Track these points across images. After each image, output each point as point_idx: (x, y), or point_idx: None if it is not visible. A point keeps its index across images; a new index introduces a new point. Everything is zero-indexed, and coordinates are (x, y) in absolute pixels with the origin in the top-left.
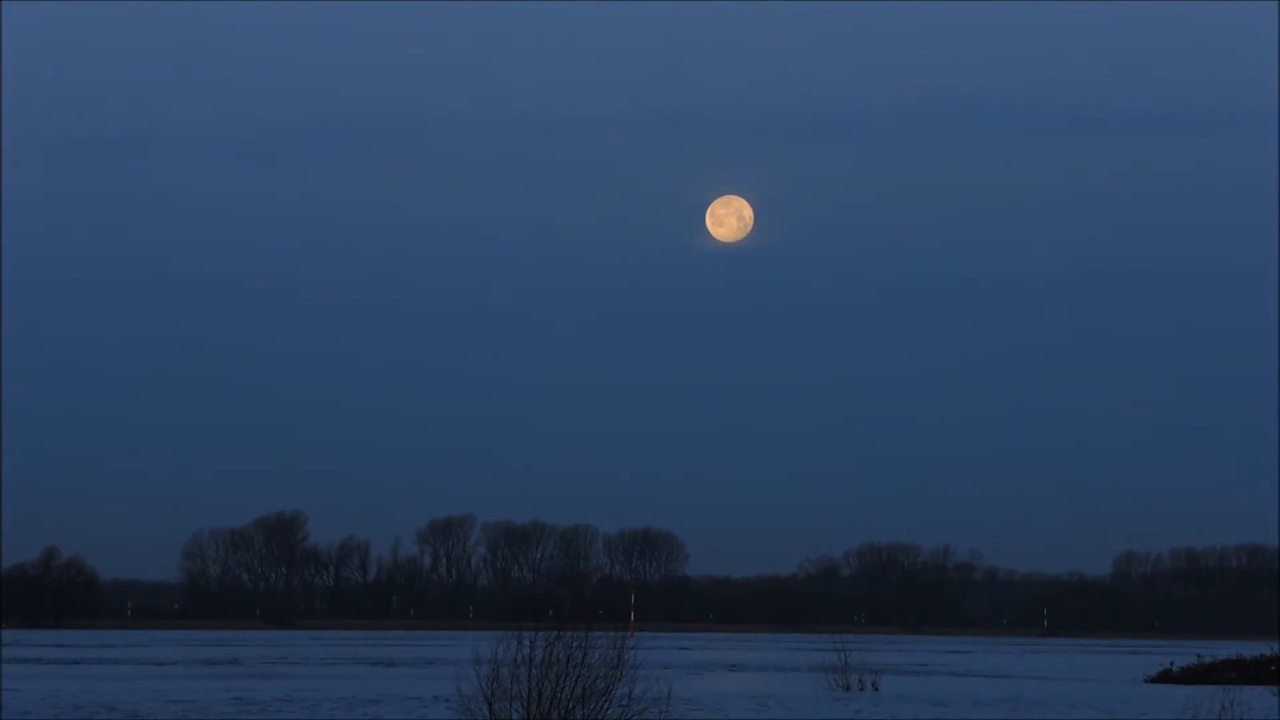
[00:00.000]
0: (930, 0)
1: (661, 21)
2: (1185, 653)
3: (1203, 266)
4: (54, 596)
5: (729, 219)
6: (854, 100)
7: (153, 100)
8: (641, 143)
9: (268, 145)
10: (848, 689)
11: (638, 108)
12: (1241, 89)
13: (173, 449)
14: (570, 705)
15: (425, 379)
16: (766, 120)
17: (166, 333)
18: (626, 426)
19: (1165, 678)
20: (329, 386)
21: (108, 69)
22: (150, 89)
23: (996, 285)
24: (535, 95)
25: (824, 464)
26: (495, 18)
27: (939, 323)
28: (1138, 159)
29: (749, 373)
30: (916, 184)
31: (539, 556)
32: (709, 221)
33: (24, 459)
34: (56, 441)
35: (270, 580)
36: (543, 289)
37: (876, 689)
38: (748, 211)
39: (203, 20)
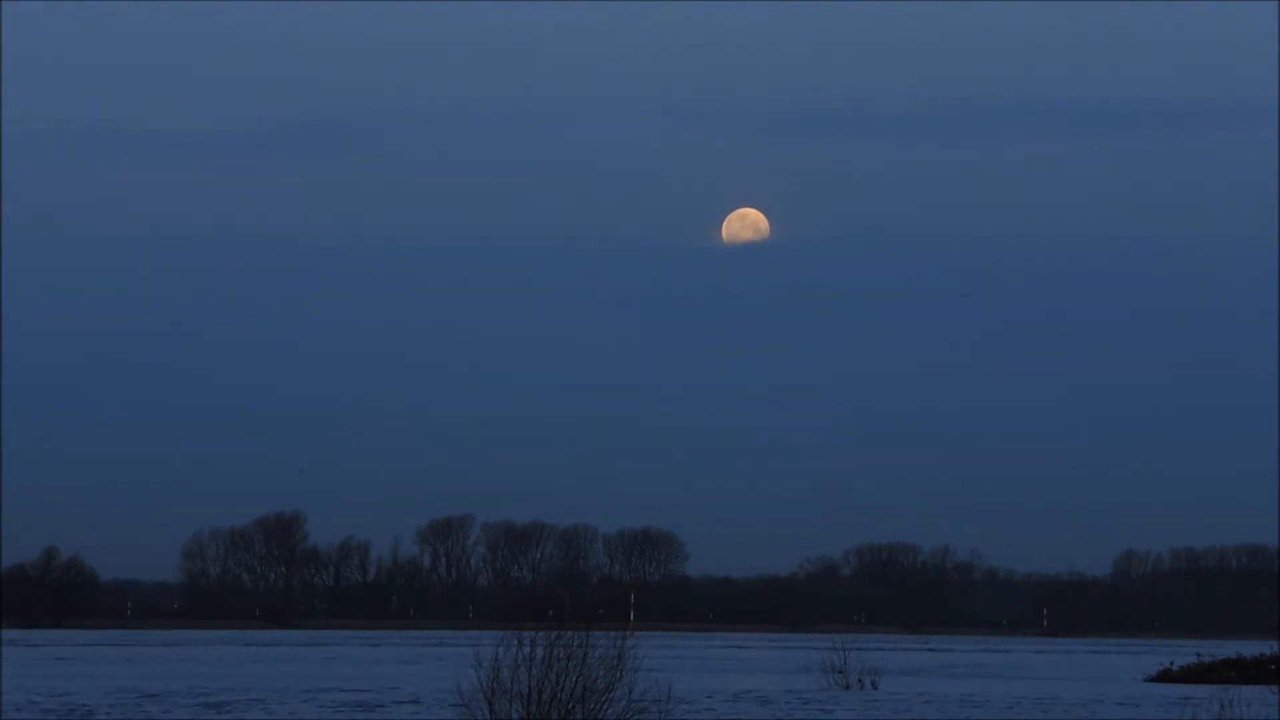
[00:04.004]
0: (948, 1)
1: (667, 22)
2: (1185, 653)
3: (1203, 266)
4: (54, 596)
5: (744, 232)
6: (861, 100)
7: (151, 99)
8: (651, 141)
9: (274, 143)
10: (847, 688)
11: (647, 107)
12: (1241, 88)
13: (172, 449)
14: (570, 705)
15: (425, 378)
16: (776, 119)
17: (166, 331)
18: (627, 426)
19: (1165, 677)
20: (329, 386)
21: (107, 68)
22: (148, 86)
23: (998, 286)
24: (543, 94)
25: (824, 463)
26: (503, 17)
27: (942, 323)
28: (1140, 158)
29: (750, 372)
30: (923, 184)
31: (539, 556)
32: (724, 234)
33: (24, 459)
34: (56, 441)
35: (270, 580)
36: (547, 287)
37: (875, 688)
38: (763, 223)
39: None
